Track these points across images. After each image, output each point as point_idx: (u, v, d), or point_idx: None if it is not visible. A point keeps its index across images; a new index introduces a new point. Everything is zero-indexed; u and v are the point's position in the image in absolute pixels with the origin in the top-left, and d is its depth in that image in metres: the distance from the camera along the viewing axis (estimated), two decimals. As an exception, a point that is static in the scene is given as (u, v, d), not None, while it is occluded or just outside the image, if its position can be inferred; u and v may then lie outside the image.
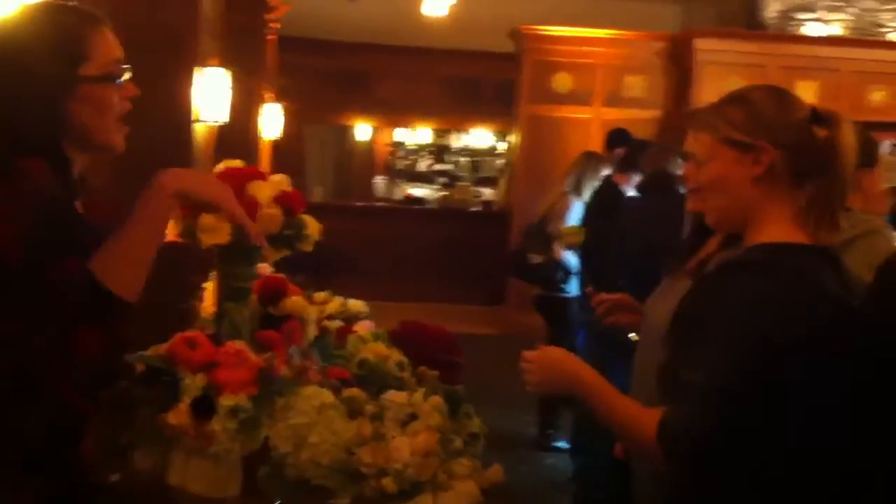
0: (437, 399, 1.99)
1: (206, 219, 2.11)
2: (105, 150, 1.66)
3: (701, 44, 8.81)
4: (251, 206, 2.16)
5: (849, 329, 1.60)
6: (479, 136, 12.67)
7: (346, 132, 12.61)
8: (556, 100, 9.22)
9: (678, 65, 9.13)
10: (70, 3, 1.64)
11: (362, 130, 12.31)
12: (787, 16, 9.08)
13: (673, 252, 3.97)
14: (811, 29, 9.05)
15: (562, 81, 9.22)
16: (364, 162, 12.86)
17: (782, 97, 1.72)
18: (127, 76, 1.65)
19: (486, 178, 12.86)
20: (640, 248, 4.45)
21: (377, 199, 12.01)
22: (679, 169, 4.47)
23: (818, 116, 1.68)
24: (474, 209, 11.11)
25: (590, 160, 5.36)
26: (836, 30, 9.08)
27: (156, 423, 1.72)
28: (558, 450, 5.25)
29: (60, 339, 1.40)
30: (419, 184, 12.77)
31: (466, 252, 10.04)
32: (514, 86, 9.74)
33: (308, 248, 2.33)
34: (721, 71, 8.85)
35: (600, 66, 9.22)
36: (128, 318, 1.56)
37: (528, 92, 9.27)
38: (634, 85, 9.24)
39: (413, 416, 1.93)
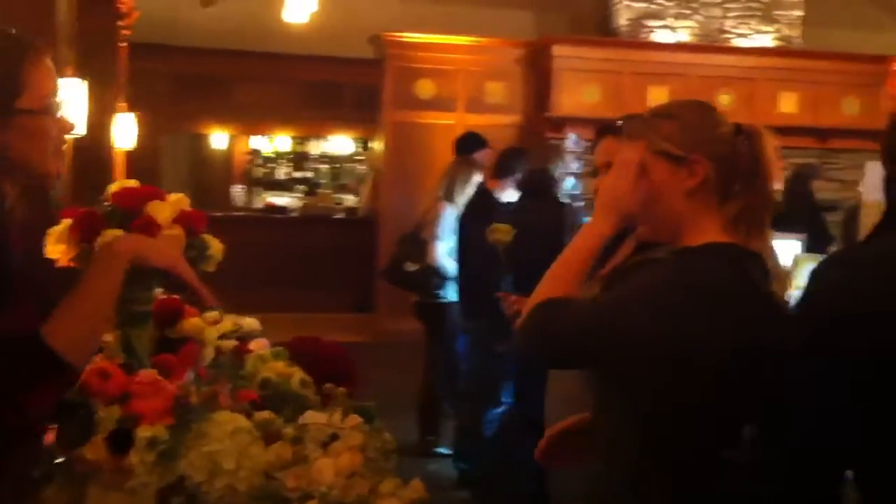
0: (356, 418, 1.97)
1: (104, 242, 2.03)
2: (42, 179, 1.59)
3: (558, 50, 9.04)
4: (151, 228, 2.10)
5: (771, 320, 1.68)
6: (340, 143, 12.60)
7: (202, 141, 12.32)
8: (419, 106, 9.28)
9: (537, 71, 9.34)
10: (8, 31, 1.56)
11: (219, 139, 12.06)
12: (637, 23, 9.39)
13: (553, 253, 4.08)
14: (661, 36, 9.40)
15: (425, 88, 9.29)
16: (222, 171, 12.58)
17: (708, 111, 1.78)
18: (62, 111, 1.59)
19: (347, 185, 12.80)
20: (521, 253, 4.52)
21: (236, 208, 11.78)
22: (558, 171, 4.57)
23: (741, 129, 1.74)
24: (338, 216, 11.03)
25: (461, 166, 5.35)
26: (684, 36, 9.47)
27: (70, 457, 1.65)
28: (441, 455, 5.28)
29: (11, 400, 1.35)
30: (279, 192, 12.59)
31: (333, 260, 9.97)
32: (376, 92, 9.75)
33: (211, 268, 2.27)
34: (578, 77, 9.12)
35: (462, 73, 9.33)
36: (76, 380, 1.54)
37: (391, 98, 9.30)
38: (495, 91, 9.40)
39: (334, 437, 1.91)
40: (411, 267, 5.39)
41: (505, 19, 9.78)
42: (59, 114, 1.58)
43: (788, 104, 9.52)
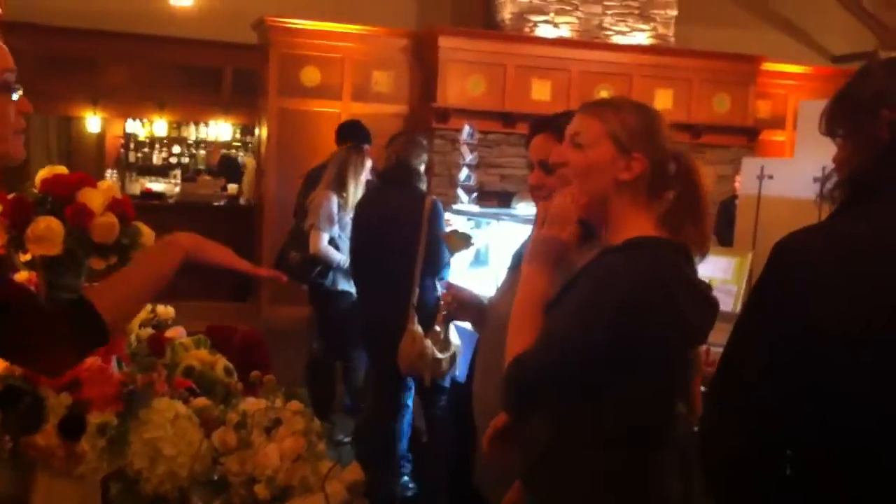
0: (297, 404, 2.00)
1: (38, 228, 2.00)
2: (3, 159, 1.56)
3: (444, 41, 9.11)
4: (84, 215, 2.08)
5: (708, 314, 1.83)
6: (220, 129, 12.38)
7: (74, 124, 11.91)
8: (304, 93, 9.21)
9: (423, 61, 9.40)
10: None
11: (92, 122, 11.68)
12: (520, 17, 9.56)
13: (407, 248, 4.13)
14: (543, 31, 9.60)
15: (310, 75, 9.23)
16: (94, 155, 12.20)
17: (663, 122, 1.89)
18: (20, 91, 1.57)
19: (229, 170, 12.57)
20: (369, 242, 4.57)
21: (111, 193, 11.41)
22: (422, 164, 4.59)
23: (675, 152, 1.87)
24: (219, 203, 10.84)
25: (350, 155, 5.33)
26: (566, 32, 9.69)
27: (17, 446, 1.63)
28: (339, 443, 5.30)
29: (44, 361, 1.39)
30: (156, 178, 12.29)
31: (214, 248, 9.82)
32: (259, 78, 9.64)
33: (142, 255, 2.25)
34: (464, 68, 9.22)
35: (348, 61, 9.31)
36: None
37: (275, 85, 9.20)
38: (381, 80, 9.41)
39: (278, 422, 1.94)
40: (295, 256, 5.38)
41: (390, 8, 9.81)
42: (15, 94, 1.56)
43: (664, 100, 9.86)
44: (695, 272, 1.85)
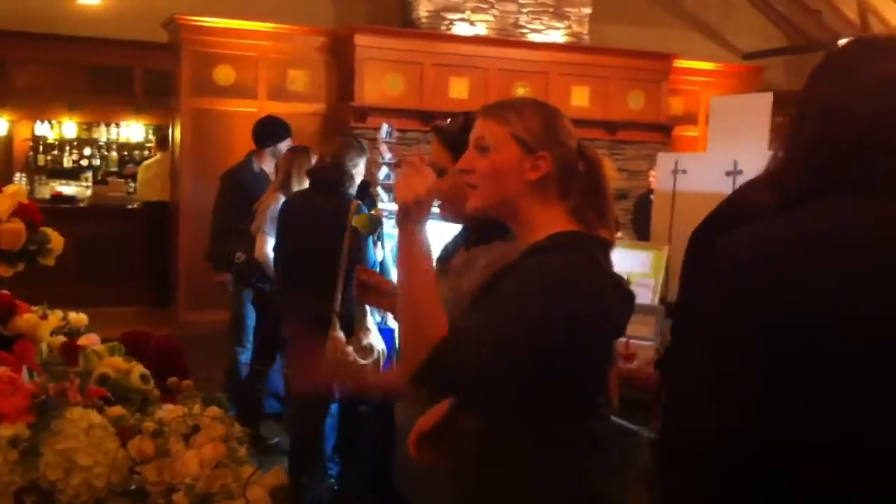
0: (216, 409, 1.96)
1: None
2: None
3: (361, 40, 9.06)
4: (-11, 219, 2.00)
5: (627, 307, 1.86)
6: (132, 130, 12.10)
7: (-21, 126, 11.54)
8: (219, 93, 9.07)
9: (340, 60, 9.34)
10: None
11: (-1, 124, 11.33)
12: (437, 15, 9.56)
13: (331, 252, 4.08)
14: (460, 29, 9.61)
15: (224, 74, 9.09)
16: (2, 159, 11.82)
17: (564, 120, 1.91)
18: None
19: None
20: (293, 245, 4.51)
21: (19, 198, 11.07)
22: (355, 167, 4.55)
23: (582, 149, 1.89)
24: (132, 206, 10.61)
25: (296, 156, 5.27)
26: (482, 30, 9.72)
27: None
28: (272, 448, 5.23)
29: None
30: (66, 181, 11.95)
31: (128, 251, 9.63)
32: (171, 78, 9.46)
33: (51, 262, 2.18)
34: (381, 67, 9.18)
35: (263, 60, 9.19)
36: None
37: (188, 84, 9.03)
38: (297, 79, 9.32)
39: (196, 429, 1.89)
40: (240, 257, 5.30)
41: (305, 6, 9.71)
42: None
43: (580, 97, 9.98)
44: (611, 265, 1.87)
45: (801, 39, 12.00)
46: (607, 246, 1.88)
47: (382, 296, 2.58)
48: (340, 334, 4.02)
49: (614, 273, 1.87)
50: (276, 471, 1.98)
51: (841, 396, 1.36)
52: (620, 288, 1.86)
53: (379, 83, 9.18)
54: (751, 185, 2.11)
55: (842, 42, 1.69)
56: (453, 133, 2.19)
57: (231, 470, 1.88)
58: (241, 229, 5.33)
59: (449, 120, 2.23)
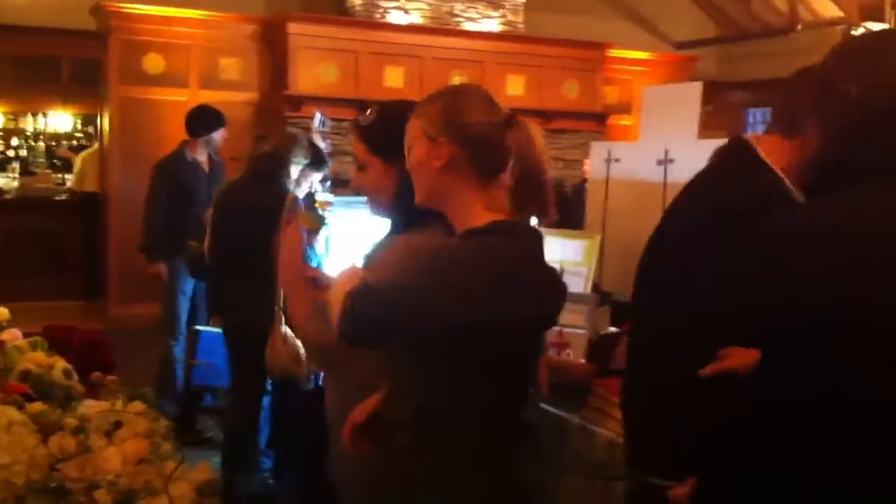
0: (139, 405, 1.92)
1: None
2: None
3: (294, 28, 8.96)
4: None
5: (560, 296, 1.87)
6: (60, 119, 11.85)
7: None
8: (148, 81, 8.89)
9: (273, 48, 9.22)
10: None
11: (-81, 114, 11.02)
12: (372, 4, 9.49)
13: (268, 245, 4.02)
14: (395, 17, 9.56)
15: (153, 62, 8.91)
16: (-78, 149, 11.51)
17: (472, 98, 1.89)
18: None
19: (67, 164, 12.03)
20: (228, 237, 4.44)
21: (-58, 190, 10.79)
22: (296, 164, 4.48)
23: (510, 121, 1.87)
24: (59, 197, 10.36)
25: (258, 145, 5.19)
26: (417, 18, 9.68)
27: None
28: (207, 441, 5.16)
29: None
30: (-9, 172, 11.67)
31: (57, 244, 9.41)
32: (99, 66, 9.25)
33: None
34: (315, 55, 9.09)
35: (194, 48, 9.03)
36: None
37: (116, 73, 8.84)
38: (229, 67, 9.19)
39: (118, 425, 1.84)
40: (193, 247, 5.19)
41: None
42: None
43: (515, 86, 10.00)
44: (543, 253, 1.87)
45: (731, 29, 12.15)
46: (540, 235, 1.88)
47: (323, 290, 2.55)
48: (287, 329, 3.95)
49: (548, 264, 1.87)
50: (203, 465, 1.94)
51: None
52: (553, 276, 1.87)
53: (313, 72, 9.09)
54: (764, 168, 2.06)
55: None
56: (367, 126, 2.18)
57: (155, 466, 1.84)
58: (196, 216, 5.20)
59: (367, 112, 2.21)
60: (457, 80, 9.38)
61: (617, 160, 5.76)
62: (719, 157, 2.12)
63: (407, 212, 2.07)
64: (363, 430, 1.97)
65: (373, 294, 1.73)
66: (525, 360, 1.86)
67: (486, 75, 9.74)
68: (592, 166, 6.10)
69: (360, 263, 2.10)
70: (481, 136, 1.84)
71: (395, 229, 2.21)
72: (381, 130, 2.14)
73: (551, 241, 4.10)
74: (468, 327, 1.70)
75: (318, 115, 5.60)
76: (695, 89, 4.97)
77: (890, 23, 10.76)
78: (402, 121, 1.94)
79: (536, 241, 1.85)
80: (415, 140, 1.88)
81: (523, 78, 10.05)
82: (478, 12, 9.94)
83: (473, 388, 1.80)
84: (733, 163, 2.06)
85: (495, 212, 1.83)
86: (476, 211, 1.83)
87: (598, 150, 6.09)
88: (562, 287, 1.89)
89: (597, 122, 10.29)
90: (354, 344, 1.80)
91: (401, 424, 1.89)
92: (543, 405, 2.91)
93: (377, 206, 2.21)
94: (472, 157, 1.83)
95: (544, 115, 9.82)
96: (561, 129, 9.96)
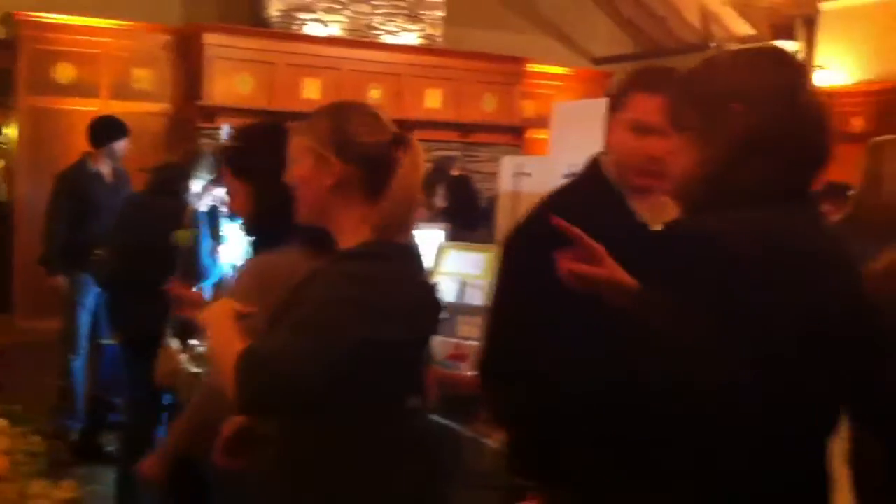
0: (1, 422, 1.86)
1: None
2: None
3: (209, 38, 8.86)
4: None
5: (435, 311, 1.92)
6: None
7: None
8: (59, 91, 8.70)
9: (187, 58, 9.10)
10: None
11: None
12: (289, 15, 9.44)
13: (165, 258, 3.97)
14: (312, 29, 9.52)
15: (64, 72, 8.72)
16: None
17: (364, 117, 1.89)
18: None
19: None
20: (126, 249, 4.37)
21: None
22: (199, 178, 4.43)
23: (398, 139, 1.87)
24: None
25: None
26: (335, 30, 9.65)
27: None
28: (108, 457, 5.04)
29: None
30: None
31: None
32: (8, 75, 9.03)
33: None
34: (231, 66, 9.00)
35: (105, 57, 8.86)
36: None
37: (26, 82, 8.63)
38: (142, 77, 9.03)
39: (-24, 442, 1.78)
40: (99, 255, 5.09)
41: (152, 3, 9.42)
42: None
43: (433, 100, 10.02)
44: (420, 269, 1.89)
45: (648, 45, 12.38)
46: (416, 251, 1.90)
47: (197, 308, 2.52)
48: (174, 342, 3.89)
49: (420, 278, 1.88)
50: (68, 484, 1.89)
51: None
52: (427, 292, 1.89)
53: (228, 83, 9.00)
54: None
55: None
56: (228, 149, 2.20)
57: (17, 485, 1.78)
58: (99, 228, 5.09)
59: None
60: (374, 93, 9.40)
61: (527, 174, 5.80)
62: (575, 176, 2.13)
63: (265, 232, 2.08)
64: (232, 444, 1.95)
65: (258, 366, 1.66)
66: (396, 376, 1.86)
67: (405, 88, 9.75)
68: (502, 180, 6.14)
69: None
70: (371, 156, 1.85)
71: (254, 250, 2.21)
72: (240, 153, 2.16)
73: (453, 255, 4.12)
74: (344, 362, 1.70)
75: (225, 128, 5.55)
76: (601, 105, 5.02)
77: (800, 40, 11.08)
78: (262, 143, 1.96)
79: (410, 260, 1.87)
80: (300, 157, 1.87)
81: (441, 91, 10.08)
82: (397, 25, 9.95)
83: (351, 407, 1.80)
84: (579, 182, 2.07)
85: (376, 231, 1.83)
86: (359, 229, 1.84)
87: (509, 164, 6.13)
88: (432, 307, 1.92)
89: (514, 135, 10.36)
90: (260, 414, 1.78)
91: (268, 438, 1.87)
92: (434, 417, 2.91)
93: (244, 226, 2.23)
94: (361, 176, 1.84)
95: (462, 129, 9.86)
96: (479, 142, 10.02)
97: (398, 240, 1.86)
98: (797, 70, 1.58)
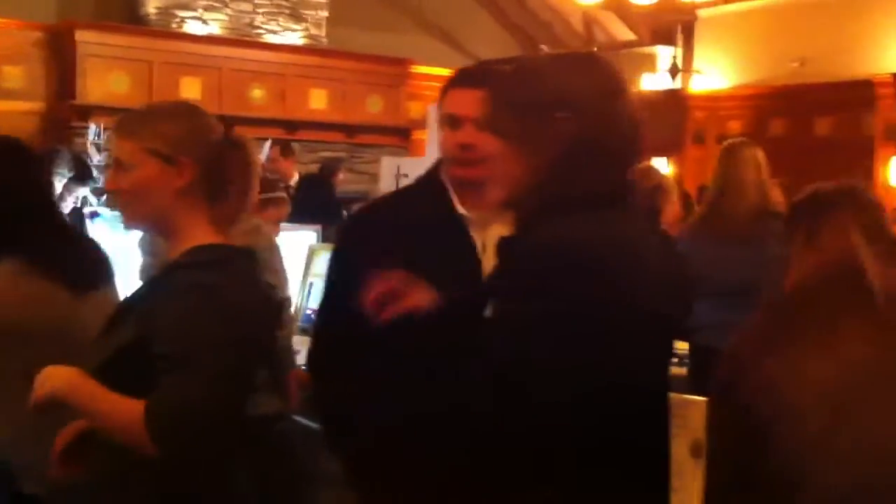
0: None
1: None
2: None
3: (82, 36, 8.63)
4: None
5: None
6: None
7: None
8: (-78, 90, 8.34)
9: (60, 56, 8.83)
10: None
11: None
12: (167, 13, 9.24)
13: None
14: (192, 27, 9.33)
15: (-71, 69, 8.37)
16: None
17: (201, 117, 1.84)
18: None
19: None
20: None
21: None
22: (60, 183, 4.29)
23: (230, 139, 1.84)
24: None
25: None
26: (215, 29, 9.48)
27: None
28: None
29: None
30: None
31: None
32: None
33: None
34: (105, 64, 8.78)
35: (-27, 55, 8.54)
36: None
37: None
38: (13, 75, 8.73)
39: None
40: None
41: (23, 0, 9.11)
42: None
43: (318, 100, 9.94)
44: (256, 273, 1.86)
45: (533, 48, 12.54)
46: (254, 255, 1.88)
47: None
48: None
49: (260, 282, 1.86)
50: None
51: None
52: (267, 295, 1.86)
53: (103, 81, 8.75)
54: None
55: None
56: None
57: None
58: None
59: None
60: (257, 92, 9.28)
61: (405, 175, 5.78)
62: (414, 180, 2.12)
63: None
64: (69, 454, 1.86)
65: (175, 421, 1.64)
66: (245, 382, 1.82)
67: (288, 88, 9.66)
68: (382, 181, 6.12)
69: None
70: (215, 156, 1.80)
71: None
72: None
73: (324, 257, 4.06)
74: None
75: (93, 127, 5.38)
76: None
77: (679, 45, 11.37)
78: None
79: (247, 263, 1.84)
80: (137, 161, 1.77)
81: (326, 92, 10.01)
82: (279, 25, 9.83)
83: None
84: (416, 183, 2.06)
85: (217, 234, 1.80)
86: (205, 231, 1.79)
87: (388, 165, 6.12)
88: (271, 309, 1.89)
89: (401, 137, 10.35)
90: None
91: (107, 445, 1.79)
92: (297, 418, 2.86)
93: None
94: (206, 177, 1.79)
95: (348, 130, 9.80)
96: (365, 143, 9.98)
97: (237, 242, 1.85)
98: (614, 75, 1.59)
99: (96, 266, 2.32)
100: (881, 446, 1.24)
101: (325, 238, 4.39)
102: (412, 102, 10.88)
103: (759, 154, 3.41)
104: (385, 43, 10.71)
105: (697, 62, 11.23)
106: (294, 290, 3.82)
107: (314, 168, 8.26)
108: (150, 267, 3.01)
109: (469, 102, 1.81)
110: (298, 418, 2.87)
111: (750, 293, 3.37)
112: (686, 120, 11.04)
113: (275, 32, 9.82)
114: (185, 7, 9.29)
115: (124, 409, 1.66)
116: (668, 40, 11.49)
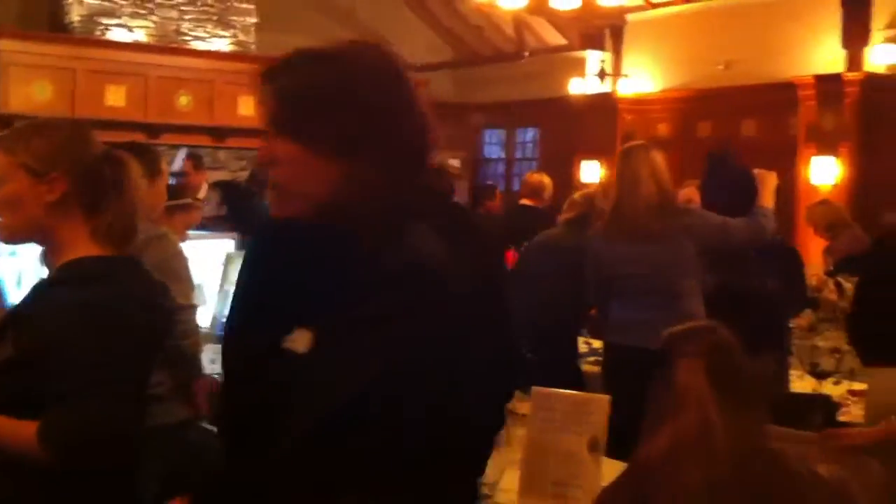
0: None
1: None
2: None
3: (4, 44, 8.54)
4: None
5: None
6: None
7: None
8: None
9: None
10: None
11: None
12: (91, 20, 9.12)
13: None
14: (117, 34, 9.22)
15: None
16: None
17: (79, 131, 1.89)
18: None
19: None
20: None
21: None
22: None
23: (109, 156, 1.87)
24: None
25: None
26: (141, 36, 9.38)
27: None
28: None
29: None
30: None
31: None
32: None
33: None
34: (27, 72, 8.66)
35: None
36: None
37: None
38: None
39: None
40: None
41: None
42: None
43: (248, 107, 9.84)
44: (147, 277, 1.89)
45: (465, 53, 12.59)
46: (135, 263, 1.90)
47: None
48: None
49: (145, 293, 1.87)
50: None
51: None
52: (153, 306, 1.89)
53: (25, 90, 8.63)
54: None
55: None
56: None
57: None
58: None
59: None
60: (184, 99, 9.18)
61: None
62: None
63: None
64: None
65: (71, 439, 1.68)
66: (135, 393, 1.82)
67: (217, 95, 9.59)
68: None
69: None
70: (91, 170, 1.83)
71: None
72: None
73: (237, 263, 4.03)
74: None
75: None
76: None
77: (608, 49, 11.50)
78: None
79: (130, 273, 1.85)
80: (9, 175, 1.81)
81: (255, 99, 9.91)
82: (206, 31, 9.76)
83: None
84: None
85: (98, 246, 1.82)
86: (84, 244, 1.82)
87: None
88: (159, 317, 1.92)
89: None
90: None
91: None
92: (207, 426, 2.83)
93: None
94: (81, 190, 1.82)
95: (277, 137, 9.73)
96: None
97: (124, 251, 1.86)
98: (395, 63, 1.44)
99: None
100: None
101: (243, 246, 4.36)
102: (346, 108, 10.87)
103: (656, 155, 3.48)
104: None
105: (626, 66, 11.36)
106: (211, 298, 3.77)
107: (243, 176, 8.21)
108: None
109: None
110: (209, 427, 2.84)
111: (661, 292, 3.44)
112: (616, 123, 11.16)
113: (202, 39, 9.74)
114: (110, 14, 9.19)
115: (18, 434, 1.69)
116: (598, 44, 11.61)
